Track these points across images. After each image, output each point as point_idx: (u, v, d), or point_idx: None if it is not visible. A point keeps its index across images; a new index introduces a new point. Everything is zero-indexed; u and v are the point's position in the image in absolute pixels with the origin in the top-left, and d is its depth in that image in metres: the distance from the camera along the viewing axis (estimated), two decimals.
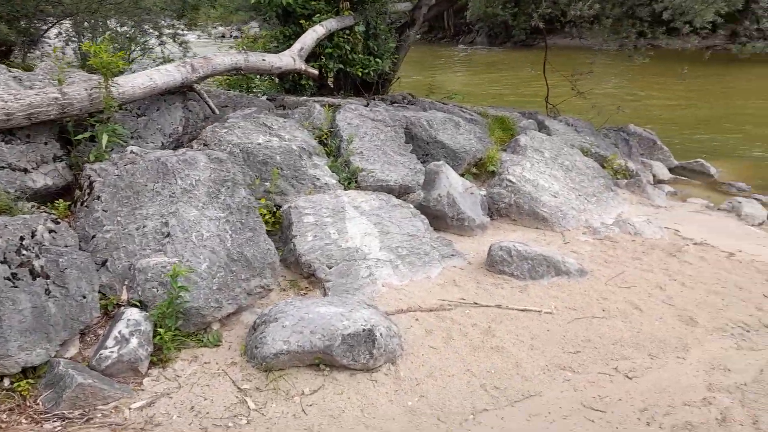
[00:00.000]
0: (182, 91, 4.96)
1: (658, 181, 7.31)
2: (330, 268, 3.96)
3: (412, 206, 4.93)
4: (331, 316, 3.09)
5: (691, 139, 9.62)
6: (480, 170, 5.95)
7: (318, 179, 4.68)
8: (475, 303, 3.89)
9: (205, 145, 4.55)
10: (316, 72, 6.29)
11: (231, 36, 18.19)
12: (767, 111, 11.58)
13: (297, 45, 5.87)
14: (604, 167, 6.73)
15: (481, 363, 3.23)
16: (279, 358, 2.96)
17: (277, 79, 7.30)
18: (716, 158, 8.26)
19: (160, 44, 8.97)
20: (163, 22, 9.39)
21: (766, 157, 8.48)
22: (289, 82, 7.09)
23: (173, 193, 3.62)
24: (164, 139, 4.59)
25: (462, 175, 5.68)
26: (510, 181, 5.61)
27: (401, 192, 5.16)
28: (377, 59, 6.91)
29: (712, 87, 13.60)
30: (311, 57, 6.67)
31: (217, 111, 5.18)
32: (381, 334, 3.06)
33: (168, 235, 3.44)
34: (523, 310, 3.83)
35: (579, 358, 3.31)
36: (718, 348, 3.47)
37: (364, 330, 3.02)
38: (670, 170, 7.69)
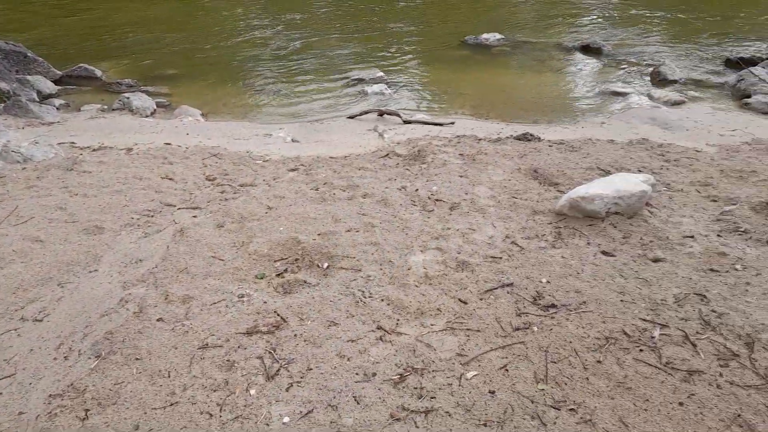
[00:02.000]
0: None
1: (45, 97, 6.59)
2: None
3: None
4: None
5: (75, 46, 9.07)
6: None
7: None
8: None
9: None
10: None
11: None
12: (151, 12, 12.05)
13: None
14: None
15: None
16: None
17: None
18: (101, 60, 8.08)
19: None
20: None
21: (148, 50, 8.86)
22: None
23: None
24: None
25: None
26: None
27: None
28: None
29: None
30: None
31: None
32: None
33: None
34: None
35: None
36: (129, 244, 3.43)
37: None
38: (56, 82, 7.04)
